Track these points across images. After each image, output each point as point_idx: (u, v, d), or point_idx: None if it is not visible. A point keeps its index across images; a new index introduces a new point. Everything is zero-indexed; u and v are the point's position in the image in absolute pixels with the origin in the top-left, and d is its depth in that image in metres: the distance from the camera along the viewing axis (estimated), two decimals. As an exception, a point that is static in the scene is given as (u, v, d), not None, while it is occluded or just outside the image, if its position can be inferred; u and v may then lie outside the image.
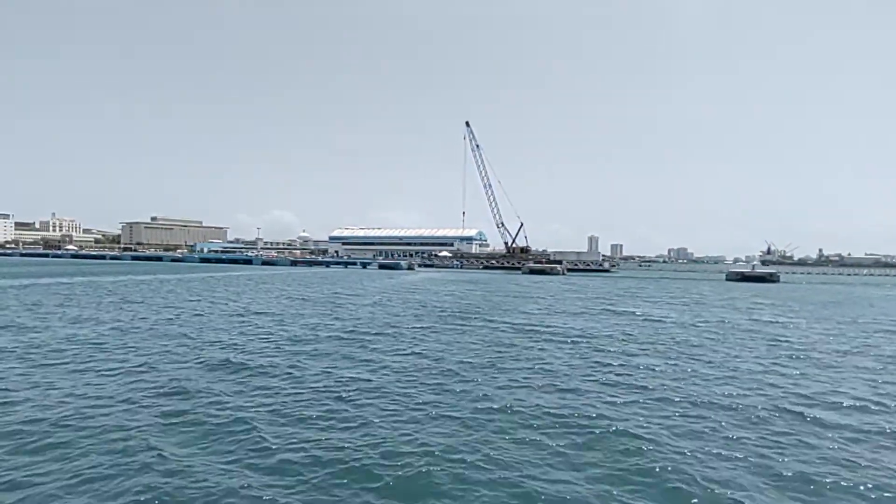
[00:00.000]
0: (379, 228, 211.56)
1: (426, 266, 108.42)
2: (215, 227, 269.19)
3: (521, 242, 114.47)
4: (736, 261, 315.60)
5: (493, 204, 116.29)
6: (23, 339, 15.11)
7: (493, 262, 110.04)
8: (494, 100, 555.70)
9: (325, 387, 10.82)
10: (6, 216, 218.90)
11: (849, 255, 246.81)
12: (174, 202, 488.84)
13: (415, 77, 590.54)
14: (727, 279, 78.58)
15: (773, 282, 73.02)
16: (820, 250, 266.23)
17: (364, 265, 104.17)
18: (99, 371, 11.57)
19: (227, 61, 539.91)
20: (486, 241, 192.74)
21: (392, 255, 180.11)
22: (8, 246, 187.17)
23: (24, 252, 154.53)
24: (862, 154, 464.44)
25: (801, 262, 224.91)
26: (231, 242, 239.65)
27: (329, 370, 12.34)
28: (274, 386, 10.86)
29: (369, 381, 11.35)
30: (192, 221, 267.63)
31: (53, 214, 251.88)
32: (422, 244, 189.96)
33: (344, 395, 10.24)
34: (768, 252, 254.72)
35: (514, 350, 15.63)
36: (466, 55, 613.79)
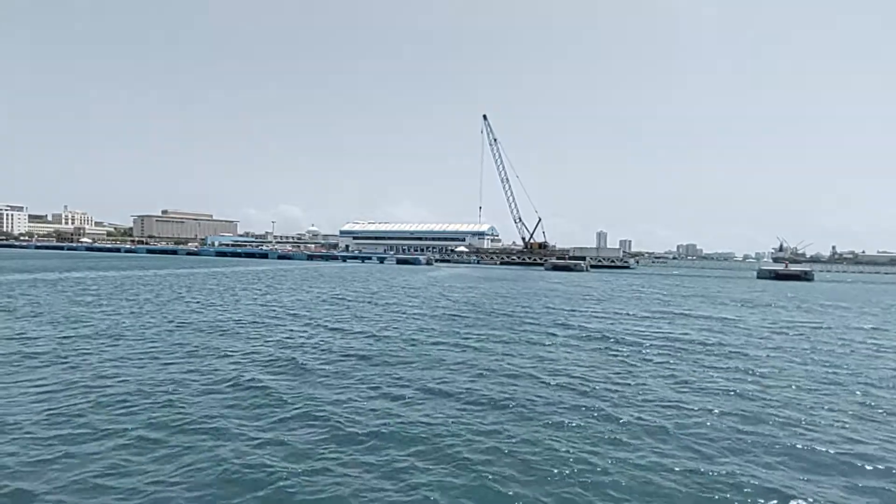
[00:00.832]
0: (387, 223, 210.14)
1: (443, 261, 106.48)
2: (226, 221, 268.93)
3: (538, 238, 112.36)
4: (745, 257, 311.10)
5: (511, 199, 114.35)
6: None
7: (512, 257, 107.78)
8: (500, 96, 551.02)
9: (450, 430, 8.54)
10: (20, 208, 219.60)
11: (863, 252, 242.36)
12: (184, 196, 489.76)
13: (421, 73, 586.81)
14: (759, 277, 76.19)
15: (808, 280, 70.55)
16: (833, 247, 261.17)
17: (381, 260, 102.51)
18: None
19: (234, 55, 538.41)
20: (497, 236, 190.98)
21: (403, 249, 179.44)
22: (22, 238, 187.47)
23: (38, 244, 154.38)
24: (869, 150, 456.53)
25: (815, 260, 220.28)
26: (241, 236, 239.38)
27: (439, 413, 9.29)
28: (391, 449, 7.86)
29: (508, 431, 8.95)
30: (203, 215, 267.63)
31: (66, 207, 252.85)
32: (433, 239, 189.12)
33: (492, 445, 8.01)
34: (780, 249, 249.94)
35: (617, 362, 13.62)
36: (473, 51, 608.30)
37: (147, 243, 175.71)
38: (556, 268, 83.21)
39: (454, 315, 23.25)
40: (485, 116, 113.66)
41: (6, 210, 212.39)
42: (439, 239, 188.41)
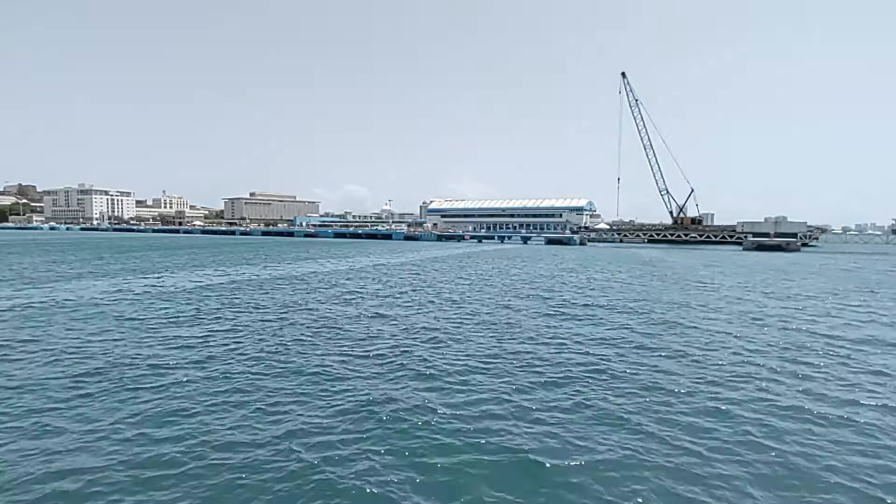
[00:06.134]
0: (467, 200, 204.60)
1: (591, 241, 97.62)
2: (308, 202, 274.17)
3: (691, 212, 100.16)
4: (845, 230, 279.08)
5: (657, 167, 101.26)
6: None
7: (653, 234, 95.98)
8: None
9: None
10: (128, 194, 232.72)
11: None
12: (254, 179, 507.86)
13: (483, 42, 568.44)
14: None
15: None
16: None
17: (524, 240, 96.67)
18: None
19: (299, 42, 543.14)
20: (596, 211, 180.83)
21: (494, 227, 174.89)
22: (132, 222, 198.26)
23: (155, 228, 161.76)
24: None
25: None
26: (323, 216, 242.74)
27: None
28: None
29: None
30: (287, 196, 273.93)
31: (164, 192, 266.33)
32: (525, 216, 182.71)
33: None
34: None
35: None
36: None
37: (239, 224, 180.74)
38: (761, 247, 69.88)
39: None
40: (623, 74, 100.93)
41: (117, 196, 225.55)
42: (532, 216, 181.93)
